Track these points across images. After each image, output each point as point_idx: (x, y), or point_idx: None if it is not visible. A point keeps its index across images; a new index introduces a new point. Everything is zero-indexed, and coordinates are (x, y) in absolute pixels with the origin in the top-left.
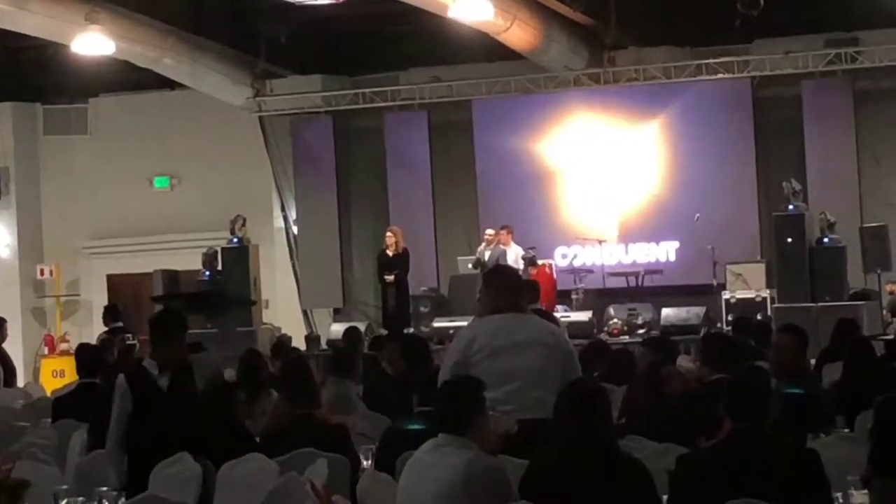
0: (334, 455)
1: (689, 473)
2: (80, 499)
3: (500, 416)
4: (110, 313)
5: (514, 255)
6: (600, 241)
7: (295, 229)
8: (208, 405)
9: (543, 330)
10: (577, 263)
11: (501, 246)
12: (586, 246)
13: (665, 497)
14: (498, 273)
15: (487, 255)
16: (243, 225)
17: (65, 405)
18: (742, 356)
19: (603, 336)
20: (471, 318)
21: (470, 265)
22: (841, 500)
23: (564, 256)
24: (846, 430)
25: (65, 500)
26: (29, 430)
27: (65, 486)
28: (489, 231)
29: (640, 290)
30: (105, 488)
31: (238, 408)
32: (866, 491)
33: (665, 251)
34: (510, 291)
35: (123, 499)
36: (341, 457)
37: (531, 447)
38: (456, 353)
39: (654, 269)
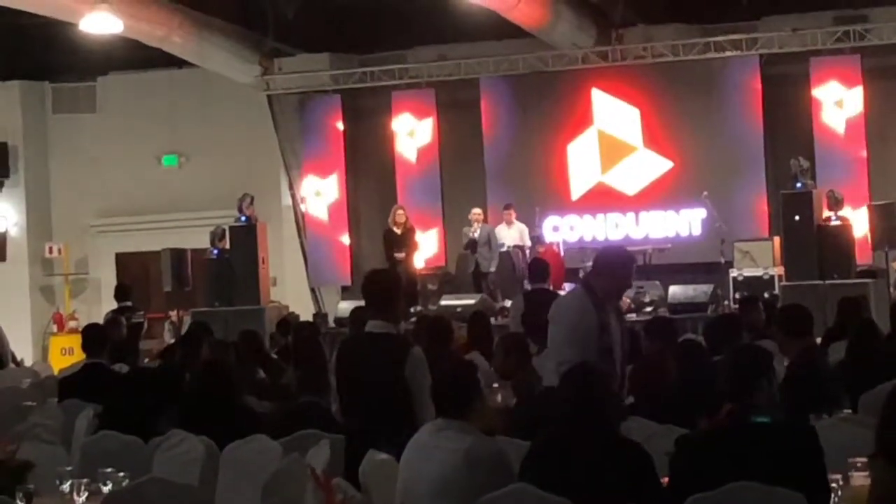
0: (337, 436)
1: (688, 455)
2: (85, 480)
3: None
4: (120, 291)
5: (518, 234)
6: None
7: (303, 207)
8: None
9: None
10: (587, 239)
11: (503, 224)
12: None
13: (665, 479)
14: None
15: (477, 233)
16: (251, 203)
17: (71, 385)
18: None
19: None
20: (478, 296)
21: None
22: (841, 482)
23: (572, 228)
24: (849, 411)
25: (69, 481)
26: (35, 409)
27: (69, 468)
28: (475, 210)
29: (648, 267)
30: (110, 470)
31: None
32: (866, 473)
33: (674, 228)
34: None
35: (128, 480)
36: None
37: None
38: None
39: (661, 247)
